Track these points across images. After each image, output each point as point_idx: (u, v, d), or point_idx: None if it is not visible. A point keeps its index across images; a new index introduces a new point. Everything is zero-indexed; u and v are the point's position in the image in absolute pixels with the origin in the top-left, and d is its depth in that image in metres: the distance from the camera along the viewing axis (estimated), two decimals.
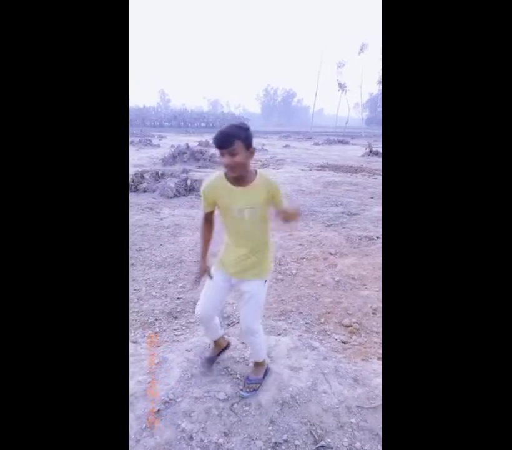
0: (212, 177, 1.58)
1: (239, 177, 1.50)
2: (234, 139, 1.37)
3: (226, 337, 2.16)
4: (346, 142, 25.89)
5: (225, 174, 1.54)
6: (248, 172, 1.51)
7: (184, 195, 7.54)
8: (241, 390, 1.82)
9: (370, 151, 16.62)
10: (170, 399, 1.72)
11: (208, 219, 1.70)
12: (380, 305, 3.32)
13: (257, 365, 1.91)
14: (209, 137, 27.41)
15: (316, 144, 24.52)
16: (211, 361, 2.00)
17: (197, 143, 19.72)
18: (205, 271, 1.72)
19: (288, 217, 1.47)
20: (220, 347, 2.06)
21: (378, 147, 17.87)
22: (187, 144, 13.70)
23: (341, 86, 46.63)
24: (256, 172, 1.54)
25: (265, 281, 1.71)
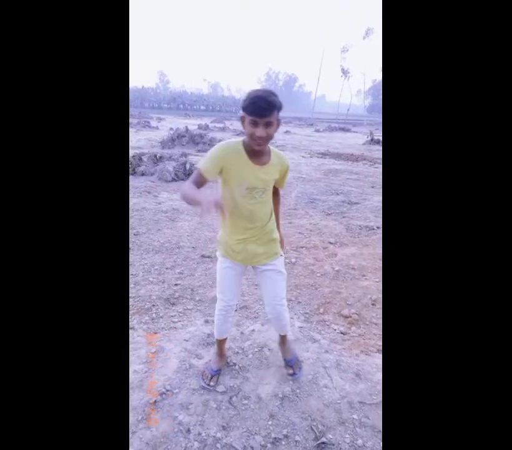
0: (232, 143, 1.31)
1: (260, 152, 1.30)
2: (274, 108, 1.16)
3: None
4: (348, 130, 25.55)
5: (244, 146, 1.30)
6: (267, 148, 1.33)
7: (182, 180, 7.39)
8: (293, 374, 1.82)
9: (372, 140, 16.41)
10: (167, 390, 1.67)
11: (200, 184, 1.28)
12: (380, 296, 3.28)
13: (285, 339, 1.88)
14: (208, 121, 26.98)
15: (317, 130, 24.17)
16: (217, 375, 1.77)
17: (197, 126, 19.30)
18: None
19: None
20: (224, 356, 1.86)
21: (380, 135, 17.65)
22: (186, 127, 13.38)
23: (345, 72, 45.60)
24: (268, 147, 1.34)
25: (281, 256, 1.58)
